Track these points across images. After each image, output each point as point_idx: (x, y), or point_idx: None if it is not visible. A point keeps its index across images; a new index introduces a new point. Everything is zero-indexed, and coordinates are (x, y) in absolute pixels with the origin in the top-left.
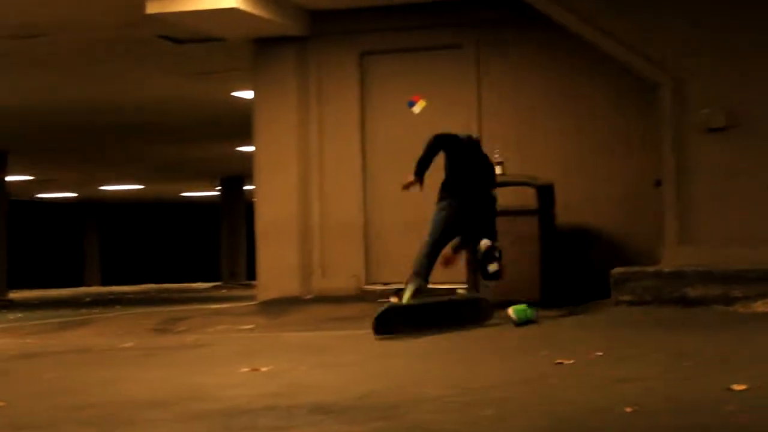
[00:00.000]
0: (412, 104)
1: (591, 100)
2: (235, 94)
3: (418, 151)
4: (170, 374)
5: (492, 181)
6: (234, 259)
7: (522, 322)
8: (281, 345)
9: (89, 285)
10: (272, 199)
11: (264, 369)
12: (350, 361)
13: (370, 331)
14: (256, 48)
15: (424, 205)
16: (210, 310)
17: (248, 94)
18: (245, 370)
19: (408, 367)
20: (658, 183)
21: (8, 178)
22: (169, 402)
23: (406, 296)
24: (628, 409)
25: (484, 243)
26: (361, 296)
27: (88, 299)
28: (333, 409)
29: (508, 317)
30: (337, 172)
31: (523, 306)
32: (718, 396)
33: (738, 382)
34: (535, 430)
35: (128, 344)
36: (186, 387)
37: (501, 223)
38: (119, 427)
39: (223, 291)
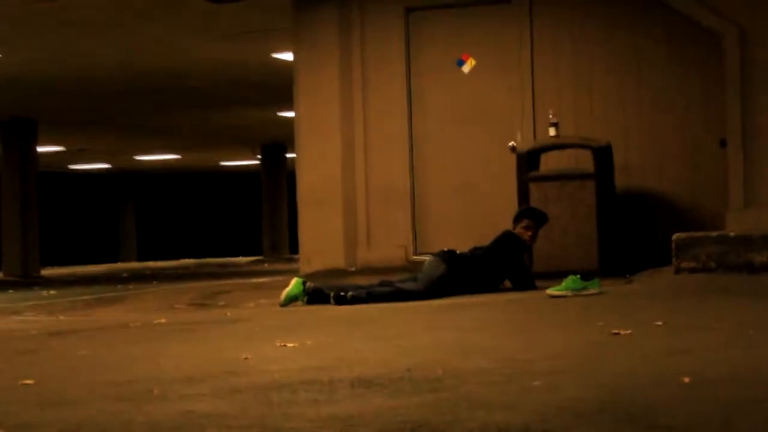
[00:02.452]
0: (461, 63)
1: (651, 55)
2: (276, 55)
3: (467, 112)
4: (207, 349)
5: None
6: (276, 232)
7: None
8: (324, 319)
9: (125, 261)
10: (314, 164)
11: (306, 343)
12: (396, 334)
13: (417, 303)
14: (295, 5)
15: (474, 168)
16: (250, 285)
17: (289, 56)
18: (286, 344)
19: (457, 339)
20: (724, 143)
21: (39, 149)
22: (205, 377)
23: None
24: (686, 380)
25: None
26: (410, 268)
27: (124, 275)
28: (377, 382)
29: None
30: (382, 135)
31: (574, 277)
32: None
33: None
34: (588, 402)
35: (164, 320)
36: (223, 362)
37: (555, 187)
38: (152, 402)
39: (265, 265)
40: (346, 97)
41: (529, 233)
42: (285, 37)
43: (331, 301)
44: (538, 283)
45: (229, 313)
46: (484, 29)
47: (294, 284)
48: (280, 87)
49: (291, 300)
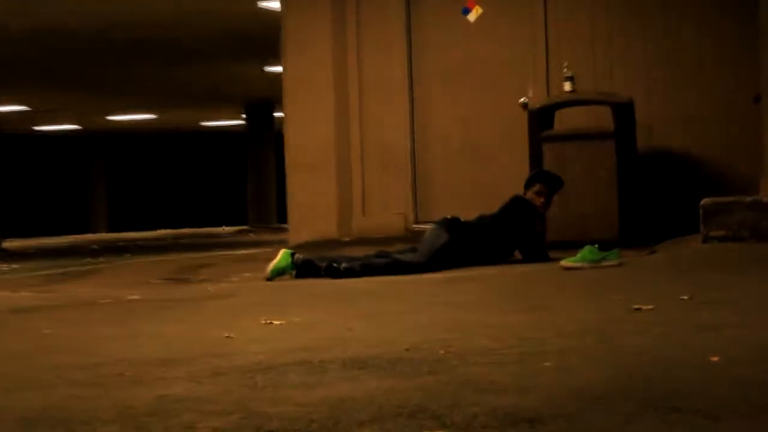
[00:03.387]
0: (466, 11)
1: (679, 1)
2: (262, 4)
3: (473, 66)
4: (186, 328)
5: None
6: (262, 199)
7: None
8: (315, 294)
9: (95, 232)
10: (304, 124)
11: (295, 321)
12: (394, 310)
13: (417, 276)
14: None
15: (481, 128)
16: (234, 257)
17: (276, 5)
18: (272, 322)
19: (461, 315)
20: (758, 98)
21: (0, 108)
22: (184, 359)
23: None
24: (715, 359)
25: None
26: (410, 238)
27: (94, 247)
28: (372, 363)
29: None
30: (380, 91)
31: (591, 248)
32: None
33: None
34: (604, 385)
35: (137, 296)
36: (203, 342)
37: (571, 148)
38: (126, 387)
39: (251, 235)
40: (340, 51)
41: (542, 199)
42: None
43: (322, 273)
44: (552, 254)
45: (210, 288)
46: None
47: (282, 256)
48: (267, 39)
49: (278, 273)
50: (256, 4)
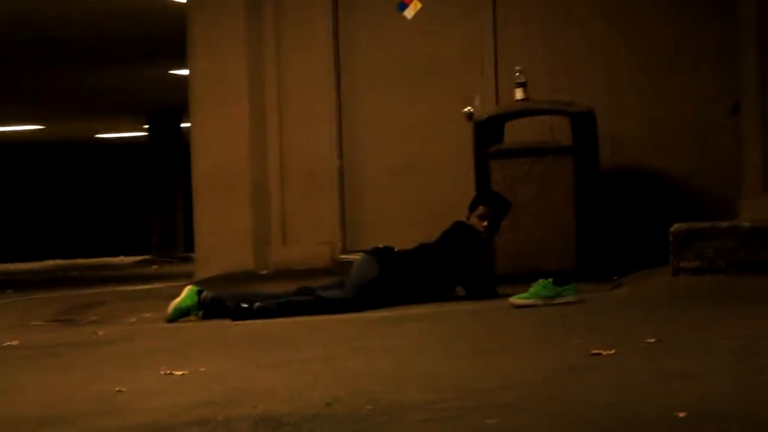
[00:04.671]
0: (403, 7)
1: None
2: None
3: (412, 71)
4: (71, 380)
5: None
6: (168, 224)
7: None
8: (225, 338)
9: None
10: (214, 140)
11: (200, 370)
12: (315, 357)
13: (344, 316)
14: None
15: (420, 142)
16: (132, 293)
17: None
18: (173, 372)
19: (393, 362)
20: (736, 108)
21: None
22: (65, 418)
23: None
24: (681, 415)
25: None
26: (337, 270)
27: None
28: (287, 421)
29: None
30: (302, 100)
31: (545, 282)
32: None
33: None
34: None
35: (16, 341)
36: (91, 397)
37: (523, 164)
38: None
39: (154, 267)
40: (256, 52)
41: (486, 223)
42: None
43: (232, 314)
44: (501, 289)
45: (101, 332)
46: None
47: (186, 293)
48: (173, 38)
49: (182, 314)
50: None
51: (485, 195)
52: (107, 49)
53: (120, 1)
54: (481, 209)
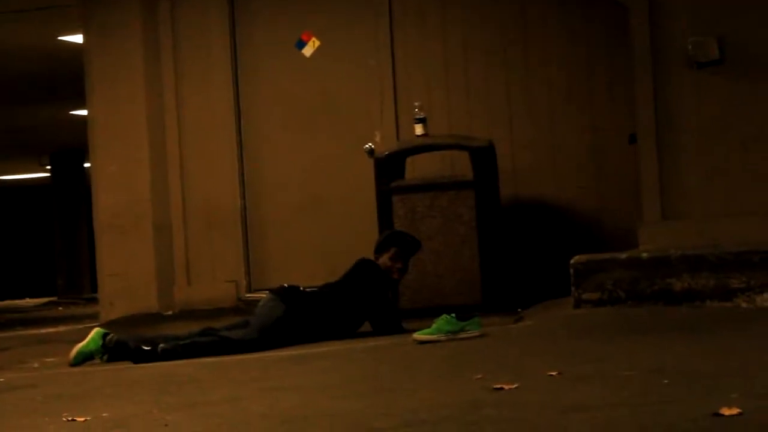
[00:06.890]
0: (302, 45)
1: (544, 31)
2: (64, 38)
3: (313, 108)
4: None
5: None
6: (73, 265)
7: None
8: (129, 382)
9: None
10: (115, 180)
11: (102, 416)
12: (220, 399)
13: (249, 356)
14: None
15: (324, 179)
16: (36, 337)
17: (79, 38)
18: (76, 419)
19: (298, 402)
20: (633, 138)
21: None
22: None
23: None
24: None
25: None
26: (243, 308)
27: None
28: None
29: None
30: (203, 141)
31: (448, 317)
32: (703, 426)
33: (730, 405)
34: None
35: None
36: None
37: (424, 199)
38: None
39: (59, 309)
40: (155, 92)
41: (399, 265)
42: (74, 14)
43: (133, 357)
44: (406, 324)
45: (2, 378)
46: (331, 1)
47: (91, 337)
48: (74, 78)
49: (85, 358)
50: (57, 38)
51: (396, 236)
52: (6, 89)
53: (18, 40)
54: (392, 251)
